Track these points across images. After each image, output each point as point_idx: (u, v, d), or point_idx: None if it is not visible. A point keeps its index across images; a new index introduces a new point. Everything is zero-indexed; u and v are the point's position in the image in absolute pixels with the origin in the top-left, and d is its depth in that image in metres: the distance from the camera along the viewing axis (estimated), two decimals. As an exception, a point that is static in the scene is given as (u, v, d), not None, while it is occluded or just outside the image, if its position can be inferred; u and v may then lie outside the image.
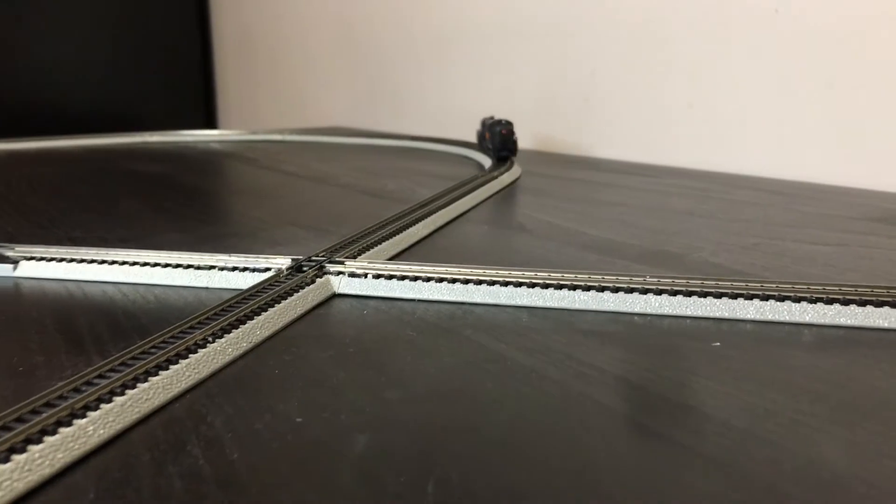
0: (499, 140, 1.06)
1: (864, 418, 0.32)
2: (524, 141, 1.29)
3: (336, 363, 0.38)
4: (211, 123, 2.43)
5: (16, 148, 1.35)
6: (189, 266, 0.52)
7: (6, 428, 0.29)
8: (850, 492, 0.26)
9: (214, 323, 0.40)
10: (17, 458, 0.27)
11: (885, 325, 0.42)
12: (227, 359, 0.38)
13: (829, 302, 0.43)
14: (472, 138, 1.29)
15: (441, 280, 0.49)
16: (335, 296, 0.49)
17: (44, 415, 0.30)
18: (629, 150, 1.24)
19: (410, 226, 0.65)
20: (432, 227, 0.68)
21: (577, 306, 0.46)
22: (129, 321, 0.45)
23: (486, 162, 1.13)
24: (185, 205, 0.87)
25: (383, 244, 0.58)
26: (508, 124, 1.07)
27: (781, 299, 0.43)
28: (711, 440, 0.30)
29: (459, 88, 1.56)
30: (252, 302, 0.44)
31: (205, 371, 0.36)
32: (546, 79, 1.38)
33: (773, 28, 1.04)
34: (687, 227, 0.70)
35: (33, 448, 0.28)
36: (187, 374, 0.35)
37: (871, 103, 0.95)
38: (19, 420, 0.29)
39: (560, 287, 0.47)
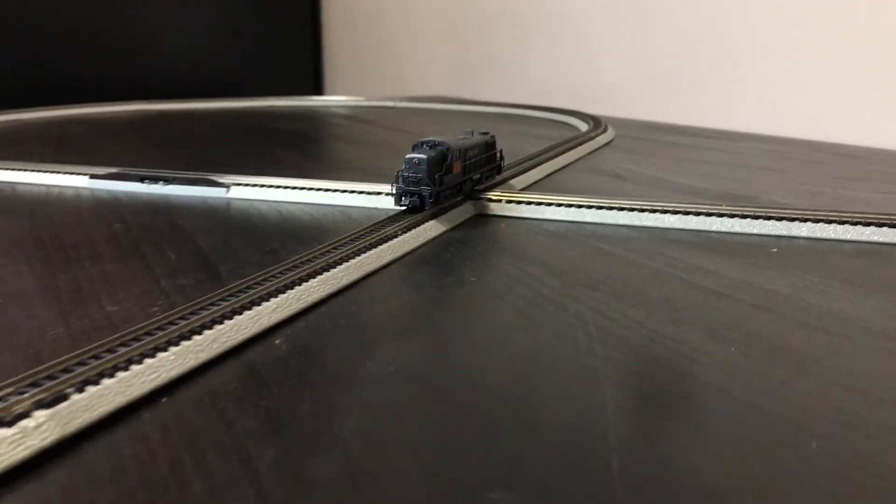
0: (412, 172, 0.57)
1: (877, 291, 0.45)
2: (620, 108, 1.40)
3: (488, 253, 0.53)
4: (318, 91, 2.61)
5: (165, 108, 1.54)
6: (362, 192, 0.68)
7: (275, 276, 0.44)
8: (855, 325, 0.40)
9: (397, 224, 0.55)
10: (289, 292, 0.42)
11: (909, 240, 0.54)
12: (411, 247, 0.53)
13: (867, 224, 0.55)
14: (570, 106, 1.42)
15: (559, 205, 0.63)
16: (477, 216, 0.64)
17: (296, 271, 0.45)
18: (715, 117, 1.34)
19: (528, 170, 0.79)
20: (543, 174, 0.82)
21: (666, 225, 0.59)
22: (329, 225, 0.60)
23: (583, 126, 1.25)
24: (327, 154, 1.03)
25: (510, 182, 0.72)
26: (438, 148, 0.58)
27: (829, 222, 0.56)
28: (762, 298, 0.43)
29: (557, 59, 1.69)
30: (418, 215, 0.59)
31: (399, 252, 0.51)
32: (639, 51, 1.49)
33: (854, 4, 1.13)
34: (761, 178, 0.82)
35: (298, 288, 0.43)
36: (390, 251, 0.51)
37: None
38: (281, 272, 0.45)
39: (653, 211, 0.60)
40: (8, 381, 0.29)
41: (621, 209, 0.61)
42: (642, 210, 0.61)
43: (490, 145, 0.70)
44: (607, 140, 1.12)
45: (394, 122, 1.39)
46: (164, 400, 0.31)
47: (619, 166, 0.91)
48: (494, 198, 0.65)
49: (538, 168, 0.81)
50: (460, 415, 0.30)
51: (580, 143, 1.03)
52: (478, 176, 0.67)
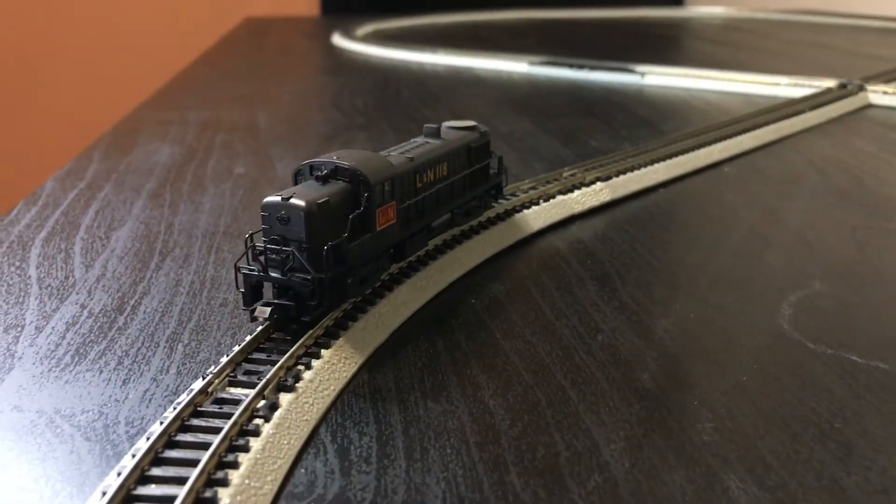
0: (275, 239, 0.28)
1: None
2: None
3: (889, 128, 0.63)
4: (677, 3, 2.65)
5: (546, 16, 1.73)
6: (759, 83, 0.79)
7: (713, 130, 0.58)
8: None
9: (787, 110, 0.66)
10: (728, 141, 0.56)
11: None
12: (793, 131, 0.64)
13: None
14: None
15: (954, 100, 0.69)
16: (869, 106, 0.72)
17: (729, 129, 0.58)
18: None
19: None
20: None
21: None
22: (735, 106, 0.73)
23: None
24: (716, 55, 1.14)
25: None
26: (338, 183, 0.30)
27: None
28: None
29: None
30: (808, 102, 0.69)
31: (807, 125, 0.63)
32: None
33: None
34: None
35: (730, 140, 0.57)
36: (789, 127, 0.62)
37: None
38: (716, 129, 0.59)
39: None
40: (571, 166, 0.47)
41: None
42: None
43: (476, 152, 0.37)
44: None
45: (773, 33, 1.44)
46: (719, 170, 0.47)
47: None
48: (888, 91, 0.73)
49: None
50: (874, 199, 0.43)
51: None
52: (445, 217, 0.36)
